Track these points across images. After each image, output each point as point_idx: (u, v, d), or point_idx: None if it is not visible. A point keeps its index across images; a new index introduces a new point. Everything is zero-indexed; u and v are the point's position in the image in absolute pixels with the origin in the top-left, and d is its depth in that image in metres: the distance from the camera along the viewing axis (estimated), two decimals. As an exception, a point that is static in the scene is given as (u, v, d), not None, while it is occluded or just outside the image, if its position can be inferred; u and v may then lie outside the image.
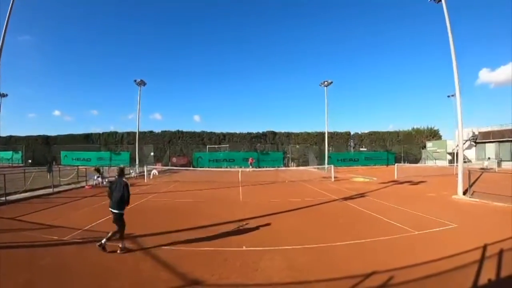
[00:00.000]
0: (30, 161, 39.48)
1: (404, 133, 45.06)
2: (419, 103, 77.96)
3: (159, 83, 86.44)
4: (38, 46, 75.15)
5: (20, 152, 41.28)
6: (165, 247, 5.71)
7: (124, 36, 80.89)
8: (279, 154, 39.81)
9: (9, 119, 67.74)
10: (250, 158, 34.35)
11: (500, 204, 10.08)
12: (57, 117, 73.81)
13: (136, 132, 28.54)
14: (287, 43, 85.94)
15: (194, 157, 38.41)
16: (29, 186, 13.37)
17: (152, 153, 36.90)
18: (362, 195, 13.07)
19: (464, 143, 25.04)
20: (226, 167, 35.46)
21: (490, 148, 34.41)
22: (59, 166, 27.02)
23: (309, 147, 41.25)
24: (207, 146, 40.68)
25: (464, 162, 17.50)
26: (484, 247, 5.53)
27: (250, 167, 31.61)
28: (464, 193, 12.06)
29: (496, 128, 34.60)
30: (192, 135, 43.98)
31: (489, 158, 31.82)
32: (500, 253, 5.21)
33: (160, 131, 44.55)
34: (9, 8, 12.16)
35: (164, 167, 30.63)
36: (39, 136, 44.77)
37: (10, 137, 44.79)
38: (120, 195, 5.52)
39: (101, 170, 18.18)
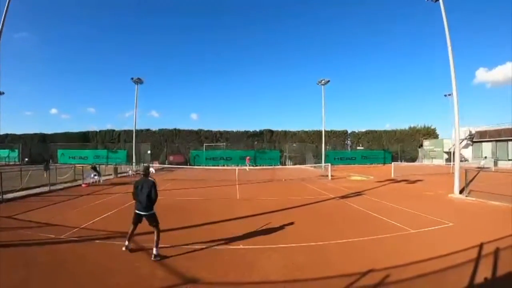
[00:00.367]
0: (26, 159, 39.26)
1: (401, 132, 45.24)
2: (416, 102, 78.39)
3: (156, 81, 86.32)
4: (35, 44, 74.45)
5: (16, 150, 40.97)
6: (161, 245, 5.69)
7: (121, 34, 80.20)
8: (276, 153, 39.84)
9: (6, 117, 67.28)
10: (247, 158, 34.38)
11: (496, 203, 10.15)
12: (54, 115, 73.28)
13: (133, 130, 28.45)
14: (284, 42, 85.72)
15: (191, 156, 38.34)
16: (25, 185, 13.27)
17: (149, 151, 36.81)
18: (359, 193, 13.11)
19: (460, 142, 25.25)
20: (223, 166, 35.47)
21: (487, 147, 34.64)
22: (56, 164, 26.90)
23: (306, 145, 41.31)
24: (204, 145, 40.66)
25: (461, 161, 17.62)
26: (481, 246, 5.56)
27: (247, 165, 31.62)
28: (461, 192, 12.13)
29: (492, 127, 34.83)
30: (189, 133, 43.90)
31: (485, 157, 32.00)
32: (496, 251, 5.24)
33: (157, 129, 44.49)
34: (6, 6, 12.01)
35: (161, 165, 30.56)
36: (35, 134, 44.49)
37: (7, 135, 44.41)
38: (147, 195, 5.14)
39: (98, 168, 18.10)
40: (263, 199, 11.97)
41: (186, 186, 16.35)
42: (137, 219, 5.31)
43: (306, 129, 45.11)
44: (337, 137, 44.90)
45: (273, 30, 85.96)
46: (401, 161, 37.37)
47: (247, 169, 28.35)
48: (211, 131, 44.41)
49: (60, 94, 78.94)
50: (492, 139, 34.11)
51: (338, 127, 45.73)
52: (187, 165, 34.65)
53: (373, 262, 4.88)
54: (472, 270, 4.48)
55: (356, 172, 25.57)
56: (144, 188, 5.17)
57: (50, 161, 29.61)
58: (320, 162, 29.67)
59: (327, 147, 37.76)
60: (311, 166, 30.59)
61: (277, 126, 50.19)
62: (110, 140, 43.31)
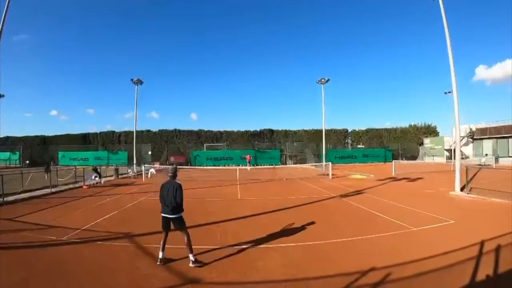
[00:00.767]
0: (27, 161, 39.32)
1: (402, 130, 45.16)
2: (416, 100, 78.11)
3: (156, 81, 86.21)
4: (35, 46, 74.56)
5: (17, 152, 41.04)
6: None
7: (121, 35, 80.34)
8: (276, 152, 39.80)
9: (6, 120, 67.31)
10: (248, 156, 34.34)
11: (497, 200, 10.13)
12: (54, 116, 73.38)
13: (133, 131, 28.44)
14: (284, 41, 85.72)
15: (192, 156, 38.35)
16: (27, 187, 13.31)
17: (149, 152, 36.82)
18: (359, 192, 13.10)
19: (461, 140, 25.15)
20: (224, 165, 35.46)
21: (488, 145, 34.52)
22: (57, 166, 26.94)
23: (306, 144, 41.27)
24: (205, 145, 40.62)
25: (462, 158, 17.58)
26: (482, 243, 5.55)
27: (248, 165, 31.62)
28: (462, 189, 12.11)
29: (493, 124, 34.72)
30: (190, 133, 43.90)
31: (486, 155, 31.93)
32: (498, 249, 5.23)
33: (157, 130, 44.47)
34: (5, 7, 12.00)
35: (162, 166, 30.55)
36: (36, 136, 44.55)
37: (7, 137, 44.49)
38: (173, 198, 4.90)
39: (99, 169, 18.12)
40: (263, 198, 11.97)
41: (187, 186, 16.23)
42: (166, 224, 5.04)
43: (307, 128, 45.16)
44: (338, 136, 44.86)
45: (273, 30, 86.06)
46: (401, 159, 37.29)
47: (248, 169, 28.35)
48: (212, 131, 44.44)
49: (59, 95, 79.10)
50: (492, 136, 34.01)
51: (338, 125, 45.82)
52: (188, 165, 34.65)
53: (375, 260, 4.86)
54: (473, 268, 4.47)
55: (356, 171, 25.52)
56: (170, 191, 4.97)
57: (51, 163, 29.67)
58: (321, 161, 29.59)
59: (328, 146, 37.71)
60: (312, 165, 30.53)
61: (278, 125, 50.37)
62: (111, 141, 43.34)
